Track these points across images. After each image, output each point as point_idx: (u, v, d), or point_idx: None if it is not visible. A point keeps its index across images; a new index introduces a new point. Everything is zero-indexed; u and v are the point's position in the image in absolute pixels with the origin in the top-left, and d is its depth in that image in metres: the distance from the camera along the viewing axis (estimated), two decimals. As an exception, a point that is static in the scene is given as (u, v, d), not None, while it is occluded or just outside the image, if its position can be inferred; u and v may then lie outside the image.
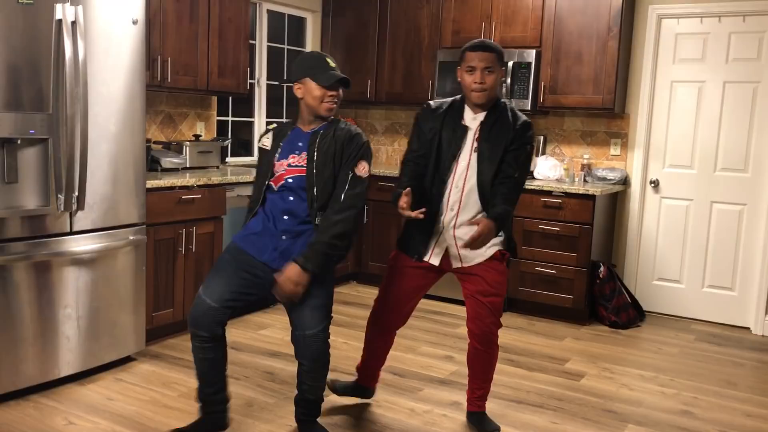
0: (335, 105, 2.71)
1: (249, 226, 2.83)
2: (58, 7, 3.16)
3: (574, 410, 3.40)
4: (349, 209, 2.69)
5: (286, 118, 5.91)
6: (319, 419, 2.99)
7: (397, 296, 3.09)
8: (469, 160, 2.88)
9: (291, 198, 2.74)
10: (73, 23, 3.20)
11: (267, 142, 2.86)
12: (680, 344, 4.55)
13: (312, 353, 2.76)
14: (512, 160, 2.85)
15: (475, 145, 2.87)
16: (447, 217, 2.91)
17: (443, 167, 2.91)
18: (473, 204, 2.89)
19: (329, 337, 2.80)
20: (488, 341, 3.00)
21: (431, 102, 3.05)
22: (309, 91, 2.71)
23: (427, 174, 2.94)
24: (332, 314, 2.83)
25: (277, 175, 2.77)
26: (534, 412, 3.35)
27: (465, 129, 2.90)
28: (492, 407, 3.33)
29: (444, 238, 2.94)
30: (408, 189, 2.74)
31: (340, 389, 3.34)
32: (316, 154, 2.72)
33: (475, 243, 2.69)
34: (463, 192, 2.89)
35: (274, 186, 2.78)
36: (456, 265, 2.97)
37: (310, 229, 2.73)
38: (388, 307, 3.11)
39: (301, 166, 2.74)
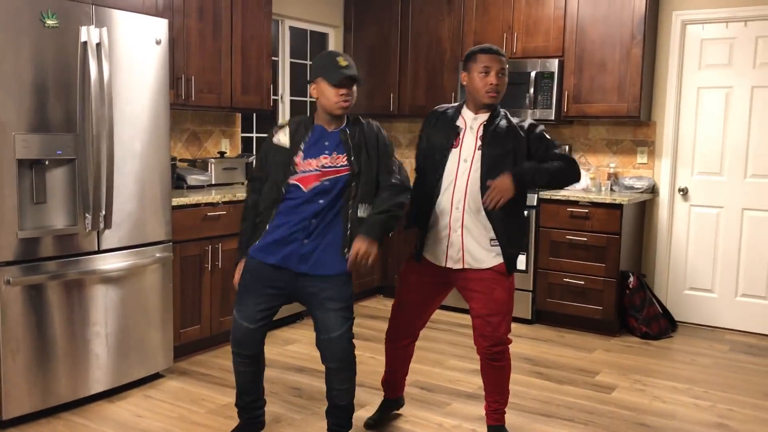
0: (347, 103, 2.69)
1: (268, 234, 2.78)
2: (83, 29, 3.21)
3: (605, 423, 3.34)
4: (405, 190, 2.81)
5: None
6: (350, 434, 2.98)
7: (407, 308, 3.11)
8: (473, 159, 2.87)
9: (321, 201, 2.71)
10: (98, 45, 3.25)
11: (285, 140, 2.79)
12: (714, 355, 4.45)
13: (339, 354, 2.78)
14: (550, 151, 2.89)
15: (479, 143, 2.87)
16: (453, 217, 2.89)
17: (440, 171, 2.91)
18: (478, 203, 2.86)
19: (353, 338, 2.82)
20: (497, 357, 2.94)
21: (429, 114, 3.07)
22: (321, 90, 2.72)
23: (427, 182, 2.95)
24: (354, 316, 2.86)
25: (304, 175, 2.71)
26: (564, 426, 3.30)
27: (457, 129, 2.91)
28: (521, 421, 3.29)
29: (452, 241, 2.91)
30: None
31: (376, 418, 3.28)
32: (353, 151, 2.73)
33: (489, 198, 2.70)
34: (466, 191, 2.86)
35: (302, 187, 2.71)
36: (458, 266, 2.93)
37: (338, 225, 2.74)
38: (398, 319, 3.14)
39: (341, 166, 2.72)
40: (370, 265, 2.71)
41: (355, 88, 2.72)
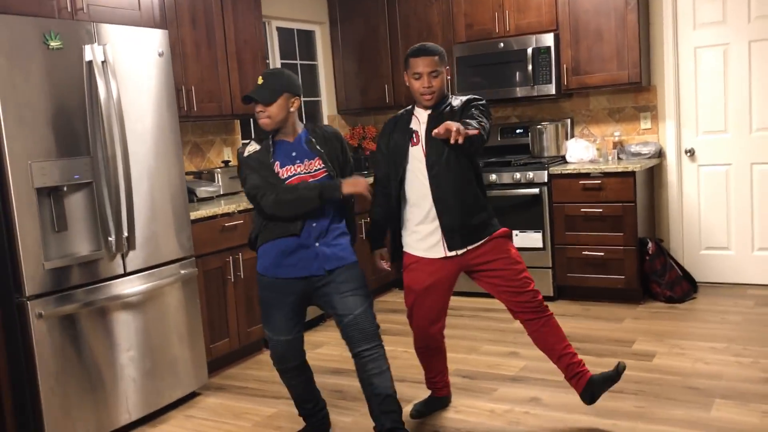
0: (265, 119, 2.74)
1: (270, 252, 2.80)
2: (87, 48, 3.12)
3: (656, 391, 3.32)
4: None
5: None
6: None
7: (429, 306, 3.04)
8: (426, 154, 2.91)
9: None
10: (103, 63, 3.16)
11: (251, 147, 2.83)
12: (741, 311, 4.46)
13: (367, 332, 2.76)
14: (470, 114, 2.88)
15: (428, 137, 2.89)
16: (435, 210, 2.92)
17: (403, 173, 2.96)
18: (449, 192, 2.90)
19: (375, 318, 2.83)
20: (541, 310, 2.96)
21: (386, 122, 3.12)
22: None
23: (394, 189, 3.00)
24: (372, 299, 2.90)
25: (288, 180, 2.76)
26: (615, 399, 3.27)
27: (411, 131, 2.96)
28: (569, 398, 3.25)
29: (435, 232, 2.95)
30: (384, 249, 3.13)
31: (419, 409, 3.27)
32: (324, 152, 2.82)
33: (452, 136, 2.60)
34: (432, 186, 2.90)
35: None
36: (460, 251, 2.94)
37: (338, 222, 2.85)
38: (415, 317, 3.08)
39: (315, 170, 2.79)
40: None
41: (278, 101, 2.72)
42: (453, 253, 2.94)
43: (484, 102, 2.98)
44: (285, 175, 2.77)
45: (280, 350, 2.86)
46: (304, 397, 2.96)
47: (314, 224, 2.77)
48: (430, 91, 2.88)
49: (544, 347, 3.02)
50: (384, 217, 3.09)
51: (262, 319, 2.89)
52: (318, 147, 2.82)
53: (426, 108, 2.95)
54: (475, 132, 2.70)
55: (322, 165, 2.80)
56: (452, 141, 2.56)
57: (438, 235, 2.93)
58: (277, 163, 2.78)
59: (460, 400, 3.40)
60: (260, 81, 2.76)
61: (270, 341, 2.88)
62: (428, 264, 2.97)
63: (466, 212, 2.92)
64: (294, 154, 2.80)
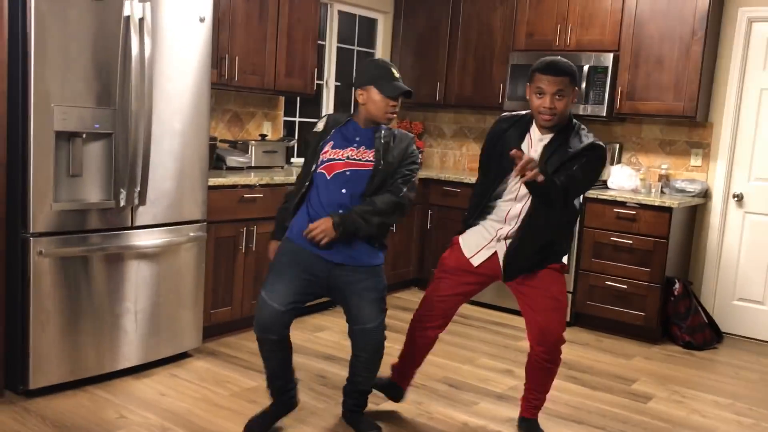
0: (395, 115, 2.80)
1: (303, 221, 2.80)
2: (127, 3, 3.19)
3: (640, 435, 3.20)
4: (399, 207, 2.79)
5: (354, 119, 5.86)
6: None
7: (437, 294, 3.01)
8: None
9: (344, 191, 2.76)
10: (141, 20, 3.23)
11: (320, 125, 2.90)
12: (761, 370, 4.24)
13: (372, 345, 2.82)
14: (577, 165, 2.70)
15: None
16: (504, 229, 2.84)
17: (503, 182, 2.83)
18: (536, 229, 2.79)
19: (386, 329, 2.85)
20: (554, 356, 2.88)
21: (503, 115, 2.96)
22: (371, 98, 2.79)
23: (491, 186, 2.88)
24: (387, 307, 2.89)
25: (329, 162, 2.78)
26: (596, 435, 3.17)
27: (519, 143, 2.77)
28: (550, 426, 3.17)
29: (495, 246, 2.87)
30: None
31: (378, 385, 3.21)
32: (382, 149, 2.78)
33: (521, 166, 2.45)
34: (522, 210, 2.79)
35: (326, 174, 2.78)
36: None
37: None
38: (425, 303, 3.05)
39: (366, 160, 2.77)
40: (321, 243, 2.71)
41: (401, 101, 2.82)
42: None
43: (599, 155, 2.73)
44: (327, 158, 2.78)
45: (265, 315, 2.74)
46: (276, 373, 2.89)
47: (340, 211, 2.73)
48: (551, 113, 2.67)
49: (529, 378, 2.98)
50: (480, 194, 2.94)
51: (266, 280, 2.81)
52: (381, 141, 2.79)
53: (542, 127, 2.76)
54: (554, 190, 2.56)
55: (373, 158, 2.77)
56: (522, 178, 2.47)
57: (496, 257, 2.86)
58: (330, 143, 2.81)
59: (438, 407, 3.35)
60: (398, 75, 2.80)
61: (261, 303, 2.76)
62: (468, 265, 2.92)
63: (539, 253, 2.81)
64: (358, 138, 2.81)
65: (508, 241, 2.83)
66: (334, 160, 2.78)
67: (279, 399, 2.98)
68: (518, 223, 2.81)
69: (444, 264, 3.01)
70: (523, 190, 2.75)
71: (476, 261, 2.91)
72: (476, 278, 2.95)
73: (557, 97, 2.67)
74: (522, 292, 2.89)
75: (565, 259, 2.93)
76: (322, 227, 2.69)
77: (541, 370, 2.91)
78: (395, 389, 3.23)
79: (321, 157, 2.80)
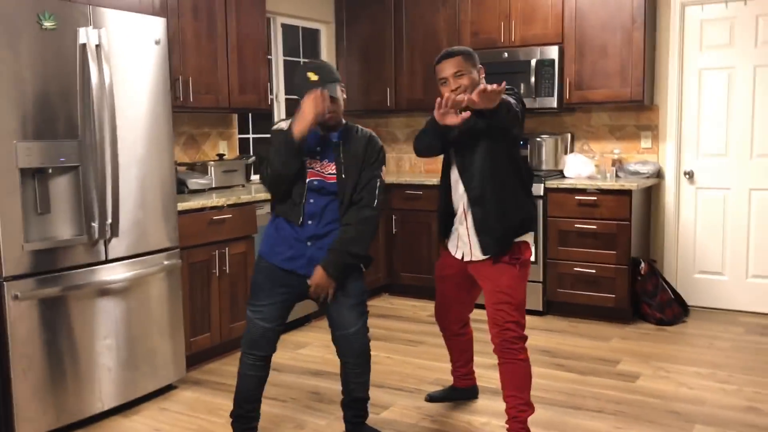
0: (333, 113, 2.67)
1: (272, 235, 2.80)
2: (82, 30, 3.09)
3: (636, 413, 3.27)
4: (376, 218, 2.77)
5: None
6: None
7: (444, 297, 3.21)
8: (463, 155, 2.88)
9: (312, 200, 2.72)
10: (98, 46, 3.13)
11: (284, 125, 2.73)
12: (731, 338, 4.41)
13: (356, 349, 2.83)
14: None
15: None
16: (460, 210, 2.94)
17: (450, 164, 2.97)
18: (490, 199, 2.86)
19: (369, 332, 2.86)
20: (511, 349, 2.86)
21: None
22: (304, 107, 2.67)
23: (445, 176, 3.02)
24: (368, 310, 2.89)
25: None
26: (594, 418, 3.23)
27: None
28: (549, 415, 3.22)
29: (459, 232, 2.97)
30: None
31: (435, 395, 3.43)
32: (343, 159, 2.73)
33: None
34: (462, 189, 2.89)
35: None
36: (467, 258, 2.96)
37: (335, 229, 2.74)
38: (439, 311, 3.25)
39: (329, 173, 2.73)
40: (330, 299, 2.75)
41: (339, 92, 2.70)
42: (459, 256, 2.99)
43: (516, 91, 2.87)
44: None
45: (255, 335, 2.76)
46: (250, 394, 2.84)
47: (310, 222, 2.72)
48: (461, 92, 2.71)
49: (500, 378, 2.95)
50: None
51: (250, 299, 2.80)
52: (340, 154, 2.73)
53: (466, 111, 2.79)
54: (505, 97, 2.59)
55: (335, 172, 2.72)
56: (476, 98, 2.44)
57: (471, 241, 2.94)
58: None
59: (438, 409, 3.35)
60: (314, 77, 2.63)
61: (249, 323, 2.78)
62: (456, 260, 3.03)
63: (499, 221, 2.83)
64: (319, 149, 2.74)
65: (469, 219, 2.89)
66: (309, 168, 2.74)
67: (242, 430, 2.88)
68: (466, 200, 2.88)
69: (438, 268, 3.16)
70: (455, 174, 2.90)
71: (459, 253, 3.00)
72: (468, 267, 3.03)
73: (457, 76, 2.75)
74: (481, 286, 2.98)
75: (531, 242, 2.94)
76: (320, 288, 2.70)
77: (505, 364, 2.89)
78: (458, 391, 3.41)
79: None
